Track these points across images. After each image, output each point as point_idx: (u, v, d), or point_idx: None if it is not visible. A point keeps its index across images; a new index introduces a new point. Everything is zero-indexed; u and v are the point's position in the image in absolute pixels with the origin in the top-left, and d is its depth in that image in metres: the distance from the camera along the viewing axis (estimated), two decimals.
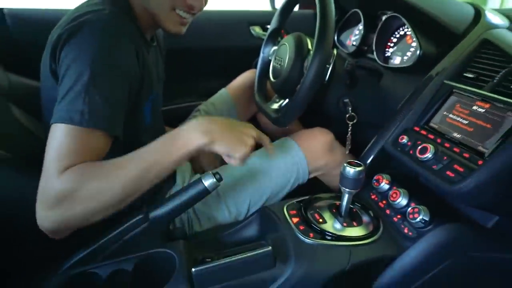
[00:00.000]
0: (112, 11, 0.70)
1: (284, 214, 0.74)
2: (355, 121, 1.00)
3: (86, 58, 0.62)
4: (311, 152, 0.98)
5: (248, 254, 0.61)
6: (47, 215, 0.60)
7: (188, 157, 0.66)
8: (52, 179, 0.59)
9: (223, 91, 1.30)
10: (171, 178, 0.91)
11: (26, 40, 1.22)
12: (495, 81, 0.67)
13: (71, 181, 0.59)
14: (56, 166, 0.59)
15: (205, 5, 0.83)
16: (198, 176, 0.90)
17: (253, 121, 1.33)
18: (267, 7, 1.58)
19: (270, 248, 0.62)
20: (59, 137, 0.61)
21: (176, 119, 1.20)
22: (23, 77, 1.04)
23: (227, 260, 0.60)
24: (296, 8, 1.15)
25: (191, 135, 0.67)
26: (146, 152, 0.65)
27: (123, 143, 0.68)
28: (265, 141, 0.81)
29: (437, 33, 0.89)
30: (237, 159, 0.70)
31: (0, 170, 0.72)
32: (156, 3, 0.75)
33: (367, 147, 0.89)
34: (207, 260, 0.61)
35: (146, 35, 0.84)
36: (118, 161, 0.63)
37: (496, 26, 0.85)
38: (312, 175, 1.00)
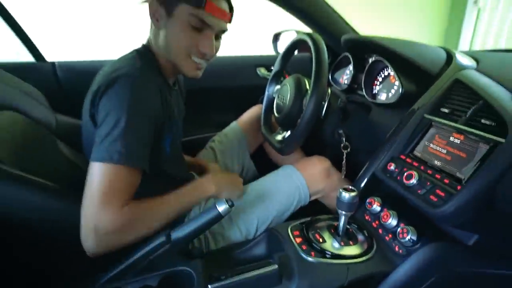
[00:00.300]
0: (141, 65, 0.75)
1: (289, 235, 0.74)
2: (349, 149, 1.02)
3: (122, 107, 0.66)
4: (311, 177, 0.99)
5: (257, 272, 0.62)
6: (99, 242, 0.64)
7: (204, 199, 0.79)
8: (106, 212, 0.63)
9: (234, 124, 1.31)
10: None
11: (71, 85, 1.28)
12: (467, 116, 0.68)
13: (128, 218, 0.65)
14: (108, 200, 0.64)
15: (216, 52, 0.85)
16: (212, 200, 0.92)
17: (260, 149, 1.34)
18: (271, 52, 1.63)
19: (276, 266, 0.63)
20: (101, 174, 0.65)
21: (195, 148, 1.23)
22: (68, 116, 1.07)
23: (239, 277, 0.61)
24: (296, 52, 1.19)
25: (207, 187, 0.82)
26: (179, 195, 0.76)
27: (148, 173, 0.72)
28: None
29: (415, 74, 0.90)
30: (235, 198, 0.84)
31: (46, 197, 0.72)
32: (175, 53, 0.79)
33: (360, 173, 0.89)
34: (222, 277, 0.61)
35: (169, 80, 0.88)
36: (160, 202, 0.73)
37: (465, 67, 0.85)
38: (312, 198, 1.00)
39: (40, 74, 1.28)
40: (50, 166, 0.86)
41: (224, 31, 0.83)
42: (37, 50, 1.31)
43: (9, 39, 1.27)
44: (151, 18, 0.80)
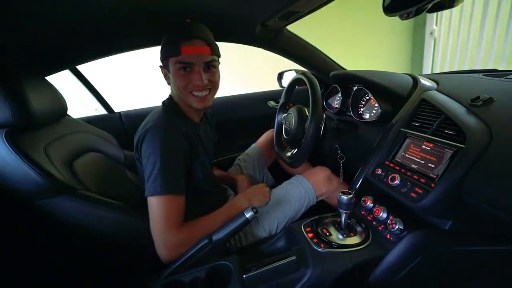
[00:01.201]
0: (166, 116, 0.77)
1: (302, 231, 0.74)
2: (344, 159, 1.01)
3: (155, 152, 0.69)
4: (316, 183, 0.98)
5: (280, 263, 0.62)
6: (168, 253, 0.68)
7: (239, 212, 0.74)
8: (170, 233, 0.68)
9: (253, 146, 1.32)
10: None
11: (132, 128, 1.35)
12: (433, 127, 0.67)
13: (187, 234, 0.69)
14: (168, 224, 0.68)
15: (214, 80, 0.80)
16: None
17: (275, 163, 1.34)
18: (277, 87, 1.66)
19: (294, 257, 0.63)
20: (155, 205, 0.69)
21: (226, 166, 1.25)
22: (132, 151, 1.12)
23: (266, 267, 0.61)
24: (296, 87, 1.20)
25: (241, 203, 0.80)
26: (221, 213, 0.77)
27: (187, 193, 0.74)
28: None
29: (390, 97, 0.89)
30: (263, 205, 0.83)
31: (118, 214, 0.75)
32: (181, 95, 0.79)
33: (354, 177, 0.87)
34: (253, 268, 0.62)
35: (195, 119, 0.86)
36: (208, 220, 0.75)
37: (428, 88, 0.84)
38: (319, 199, 0.99)
39: (111, 122, 1.36)
40: (121, 189, 0.90)
41: (209, 62, 0.77)
42: (108, 105, 1.39)
43: (88, 99, 1.37)
44: (165, 79, 0.83)
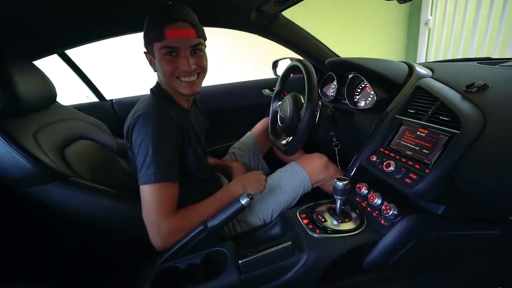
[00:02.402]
0: (155, 102, 0.74)
1: (297, 217, 0.74)
2: (339, 147, 1.01)
3: (146, 140, 0.67)
4: (312, 170, 0.97)
5: (275, 248, 0.62)
6: (162, 242, 0.67)
7: (235, 198, 0.73)
8: (164, 221, 0.66)
9: (248, 134, 1.31)
10: None
11: (124, 116, 1.33)
12: (428, 114, 0.67)
13: (180, 222, 0.68)
14: (162, 212, 0.66)
15: (203, 64, 0.77)
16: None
17: (270, 151, 1.33)
18: (272, 75, 1.63)
19: (290, 243, 0.62)
20: (148, 193, 0.67)
21: (220, 155, 1.23)
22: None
23: (262, 253, 0.61)
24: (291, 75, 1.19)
25: (235, 189, 0.80)
26: (215, 200, 0.77)
27: (181, 179, 0.73)
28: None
29: (385, 84, 0.88)
30: (258, 193, 0.84)
31: (111, 201, 0.75)
32: (168, 81, 0.76)
33: (349, 164, 0.88)
34: (248, 254, 0.62)
35: (184, 105, 0.84)
36: (202, 206, 0.74)
37: (424, 76, 0.84)
38: (314, 186, 0.99)
39: (102, 109, 1.33)
40: (113, 177, 0.88)
41: (196, 45, 0.73)
42: (100, 93, 1.35)
43: (79, 87, 1.33)
44: (150, 66, 0.80)
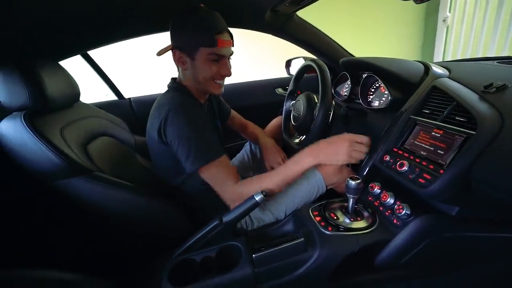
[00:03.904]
0: (178, 97, 0.79)
1: (310, 215, 0.74)
2: None
3: (186, 129, 0.72)
4: (326, 173, 0.96)
5: (288, 244, 0.63)
6: (233, 202, 0.73)
7: (303, 172, 0.74)
8: (231, 190, 0.73)
9: None
10: None
11: (142, 113, 1.37)
12: (444, 114, 0.66)
13: (243, 188, 0.73)
14: (232, 182, 0.74)
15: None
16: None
17: (283, 149, 1.34)
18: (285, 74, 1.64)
19: (302, 239, 0.63)
20: (211, 172, 0.74)
21: (234, 152, 1.26)
22: (141, 136, 1.13)
23: (275, 248, 0.62)
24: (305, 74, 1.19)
25: (305, 159, 0.75)
26: (281, 169, 0.77)
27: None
28: (361, 139, 0.76)
29: (400, 84, 0.88)
30: (347, 161, 0.73)
31: (130, 194, 0.78)
32: (204, 82, 0.82)
33: (362, 164, 0.87)
34: (262, 248, 0.63)
35: (201, 100, 0.90)
36: (267, 175, 0.77)
37: (440, 76, 0.83)
38: (328, 188, 0.98)
39: (121, 107, 1.38)
40: (132, 172, 0.93)
41: (231, 54, 0.83)
42: (118, 91, 1.40)
43: (100, 86, 1.38)
44: (176, 63, 0.83)
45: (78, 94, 0.91)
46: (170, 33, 0.80)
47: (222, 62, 0.80)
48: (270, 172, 0.76)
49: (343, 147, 0.70)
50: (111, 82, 1.37)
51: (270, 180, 0.75)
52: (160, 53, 0.81)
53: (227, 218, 0.69)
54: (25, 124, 0.67)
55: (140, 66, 2.44)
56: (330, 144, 0.72)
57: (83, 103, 1.00)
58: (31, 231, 0.76)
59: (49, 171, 0.70)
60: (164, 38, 0.86)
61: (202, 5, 0.77)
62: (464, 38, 2.75)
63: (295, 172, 0.74)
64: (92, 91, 1.44)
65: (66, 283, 0.54)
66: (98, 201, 0.76)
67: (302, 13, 1.17)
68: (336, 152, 0.70)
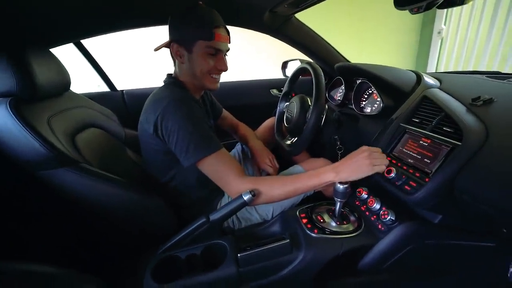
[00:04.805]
0: (175, 91, 0.79)
1: (297, 217, 0.75)
2: (342, 151, 1.01)
3: (184, 123, 0.71)
4: None
5: (274, 245, 0.64)
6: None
7: (320, 185, 0.71)
8: (235, 182, 0.70)
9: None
10: (222, 193, 0.94)
11: (134, 107, 1.35)
12: (433, 124, 0.68)
13: (249, 184, 0.70)
14: (235, 173, 0.71)
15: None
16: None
17: (274, 150, 1.32)
18: (281, 76, 1.65)
19: (288, 240, 0.65)
20: (211, 163, 0.72)
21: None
22: (132, 130, 1.12)
23: (261, 248, 0.63)
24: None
25: (328, 174, 0.70)
26: (299, 177, 0.72)
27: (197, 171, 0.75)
28: (376, 149, 0.71)
29: (393, 92, 0.89)
30: (372, 171, 0.67)
31: (118, 188, 0.77)
32: (200, 76, 0.81)
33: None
34: (248, 248, 0.64)
35: (196, 96, 0.89)
36: (284, 178, 0.73)
37: (431, 86, 0.84)
38: (316, 190, 0.95)
39: (113, 99, 1.36)
40: (121, 166, 0.91)
41: (228, 50, 0.84)
42: (111, 82, 1.38)
43: (92, 76, 1.36)
44: (173, 57, 0.83)
45: (69, 83, 0.89)
46: (169, 26, 0.79)
47: (218, 57, 0.81)
48: (289, 177, 0.73)
49: (365, 159, 0.69)
50: (104, 73, 1.34)
51: (285, 184, 0.72)
52: (157, 48, 0.81)
53: (214, 216, 0.69)
54: (10, 111, 0.65)
55: (134, 58, 2.41)
56: (351, 160, 0.70)
57: (73, 92, 0.98)
58: (14, 222, 0.74)
59: (33, 161, 0.68)
60: (159, 32, 0.85)
61: (200, 2, 0.77)
62: (457, 50, 2.84)
63: (313, 183, 0.71)
64: (84, 81, 1.42)
65: (49, 276, 0.53)
66: (84, 193, 0.75)
67: (301, 16, 1.18)
68: (360, 166, 0.69)
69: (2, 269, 0.48)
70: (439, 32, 2.94)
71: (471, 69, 2.69)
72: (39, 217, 0.80)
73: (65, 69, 0.87)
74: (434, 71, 3.07)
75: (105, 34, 1.03)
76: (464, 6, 2.60)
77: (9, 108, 0.66)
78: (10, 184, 0.74)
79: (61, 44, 0.99)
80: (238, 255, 0.62)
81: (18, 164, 0.69)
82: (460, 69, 2.82)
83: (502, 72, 1.01)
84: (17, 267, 0.50)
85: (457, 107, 0.67)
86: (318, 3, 0.96)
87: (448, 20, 2.87)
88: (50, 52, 0.84)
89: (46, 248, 0.79)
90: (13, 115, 0.65)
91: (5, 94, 0.69)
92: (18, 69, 0.68)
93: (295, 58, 1.50)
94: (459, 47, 2.81)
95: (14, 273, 0.49)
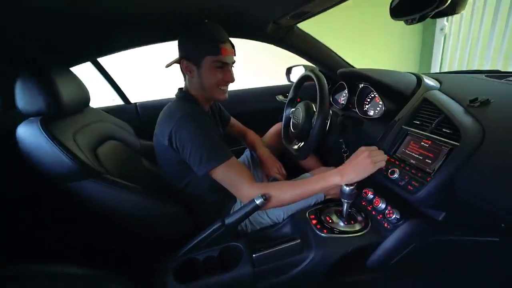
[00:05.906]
0: (187, 105, 0.84)
1: (307, 218, 0.79)
2: (347, 153, 1.04)
3: (195, 135, 0.76)
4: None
5: (286, 245, 0.67)
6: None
7: (326, 189, 0.74)
8: (247, 188, 0.74)
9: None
10: (234, 198, 0.97)
11: (147, 118, 1.41)
12: (433, 126, 0.70)
13: (260, 190, 0.74)
14: (246, 179, 0.75)
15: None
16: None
17: (282, 155, 1.35)
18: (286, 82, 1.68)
19: (299, 240, 0.68)
20: (224, 171, 0.76)
21: (236, 157, 1.29)
22: (146, 140, 1.17)
23: (274, 249, 0.67)
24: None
25: (334, 177, 0.73)
26: (306, 181, 0.76)
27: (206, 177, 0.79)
28: (373, 148, 0.76)
29: (394, 95, 0.91)
30: (375, 169, 0.71)
31: (135, 196, 0.81)
32: (209, 89, 0.86)
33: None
34: (262, 249, 0.67)
35: (205, 109, 0.94)
36: (286, 184, 0.78)
37: (431, 88, 0.86)
38: (326, 198, 0.98)
39: (127, 112, 1.42)
40: (137, 175, 0.96)
41: (234, 62, 0.89)
42: (125, 96, 1.45)
43: (107, 91, 1.43)
44: (184, 72, 0.88)
45: (88, 100, 0.95)
46: (178, 44, 0.85)
47: (225, 69, 0.85)
48: (297, 182, 0.77)
49: (366, 158, 0.72)
50: (118, 87, 1.41)
51: (295, 189, 0.75)
52: (168, 65, 0.86)
53: (229, 220, 0.73)
54: (41, 129, 0.72)
55: (145, 72, 2.49)
56: (354, 161, 0.73)
57: (92, 108, 1.05)
58: (46, 230, 0.80)
59: (63, 174, 0.74)
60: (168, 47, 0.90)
61: (206, 20, 0.83)
62: (461, 48, 2.82)
63: (320, 187, 0.74)
64: (99, 96, 1.48)
65: (80, 277, 0.57)
66: (108, 202, 0.80)
67: (303, 23, 1.21)
68: (363, 166, 0.72)
69: (35, 272, 0.53)
70: (441, 29, 2.94)
71: (476, 66, 2.68)
72: (68, 225, 0.86)
73: (85, 86, 0.94)
74: (438, 71, 3.06)
75: (121, 51, 1.09)
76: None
77: (40, 127, 0.72)
78: (44, 195, 0.80)
79: (80, 63, 1.06)
80: (253, 255, 0.65)
81: (49, 177, 0.75)
82: (464, 67, 2.80)
83: (502, 71, 1.02)
84: (51, 269, 0.55)
85: (455, 109, 0.69)
86: (319, 13, 1.01)
87: (450, 17, 2.87)
88: (71, 71, 0.90)
89: (74, 251, 0.85)
90: (44, 133, 0.71)
91: (35, 113, 0.75)
92: (46, 90, 0.74)
93: (299, 64, 1.54)
94: (463, 43, 2.79)
95: (46, 275, 0.53)
